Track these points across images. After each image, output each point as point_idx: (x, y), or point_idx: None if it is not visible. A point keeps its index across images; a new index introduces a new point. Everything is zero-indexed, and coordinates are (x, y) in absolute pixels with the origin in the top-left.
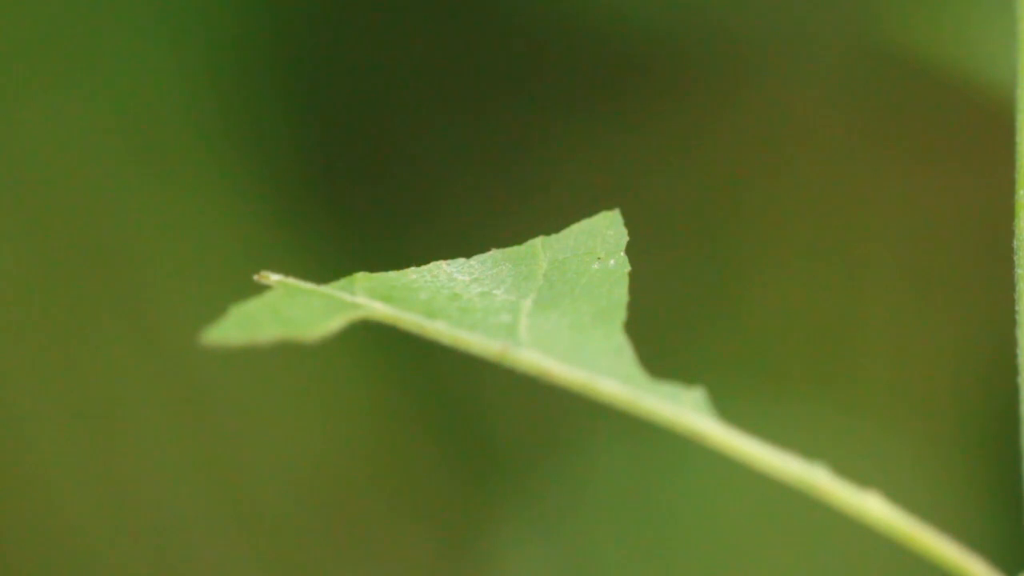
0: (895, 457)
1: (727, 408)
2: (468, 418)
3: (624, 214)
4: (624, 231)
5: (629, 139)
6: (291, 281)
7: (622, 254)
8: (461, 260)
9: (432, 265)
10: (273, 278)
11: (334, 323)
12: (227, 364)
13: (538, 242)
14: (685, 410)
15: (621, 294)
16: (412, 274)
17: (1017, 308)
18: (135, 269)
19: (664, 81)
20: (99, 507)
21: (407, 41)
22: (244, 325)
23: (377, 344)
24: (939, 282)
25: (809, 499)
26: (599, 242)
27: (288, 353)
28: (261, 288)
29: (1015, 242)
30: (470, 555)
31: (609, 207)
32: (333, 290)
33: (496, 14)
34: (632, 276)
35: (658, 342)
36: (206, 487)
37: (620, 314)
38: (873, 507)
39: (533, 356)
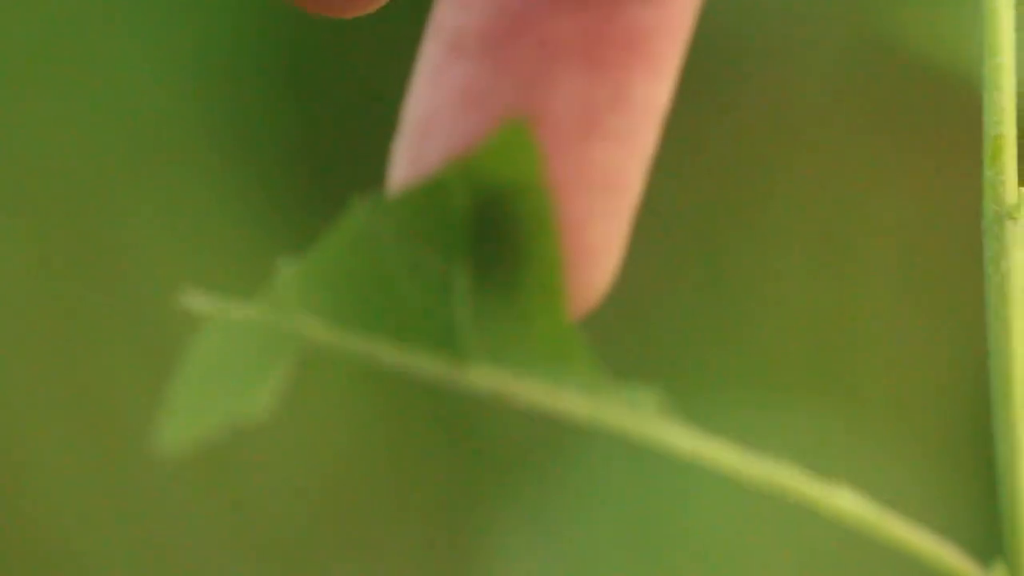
0: (898, 458)
1: (726, 413)
2: (468, 420)
3: None
4: (535, 149)
5: None
6: (218, 306)
7: (542, 185)
8: (381, 201)
9: (352, 219)
10: (198, 301)
11: (275, 379)
12: None
13: (450, 170)
14: (650, 418)
15: (555, 253)
16: (335, 246)
17: (986, 289)
18: (134, 269)
19: None
20: (98, 507)
21: (408, 39)
22: (189, 415)
23: None
24: (940, 282)
25: (812, 505)
26: (515, 169)
27: None
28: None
29: (983, 222)
30: (469, 556)
31: None
32: (265, 310)
33: None
34: (630, 277)
35: (655, 342)
36: (204, 485)
37: (561, 286)
38: (842, 501)
39: (485, 376)
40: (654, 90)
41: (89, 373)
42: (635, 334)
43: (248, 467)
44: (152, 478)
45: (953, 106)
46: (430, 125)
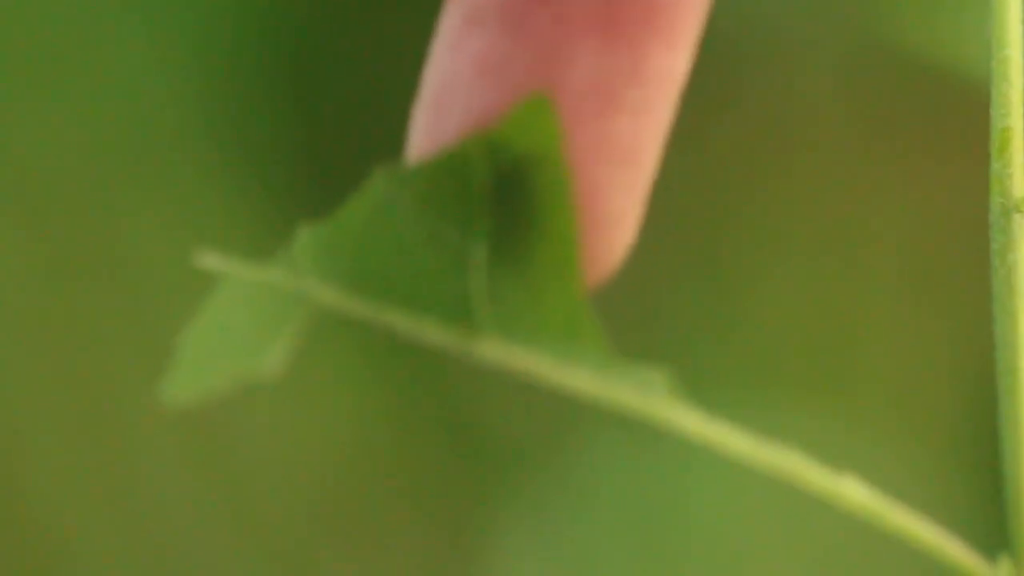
0: (898, 460)
1: (726, 411)
2: (468, 419)
3: None
4: (555, 123)
5: None
6: (233, 266)
7: (561, 160)
8: (403, 171)
9: (374, 189)
10: (212, 260)
11: (285, 338)
12: None
13: (471, 143)
14: (658, 399)
15: (571, 228)
16: (355, 214)
17: (992, 282)
18: (136, 269)
19: None
20: (96, 503)
21: (409, 36)
22: (196, 367)
23: (374, 341)
24: (941, 282)
25: (816, 503)
26: (534, 142)
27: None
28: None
29: (990, 215)
30: (470, 555)
31: None
32: (279, 272)
33: None
34: (630, 276)
35: (655, 341)
36: (204, 484)
37: (575, 263)
38: (848, 490)
39: (496, 347)
40: (671, 63)
41: (89, 371)
42: (635, 332)
43: (247, 465)
44: (152, 475)
45: (953, 107)
46: (448, 96)
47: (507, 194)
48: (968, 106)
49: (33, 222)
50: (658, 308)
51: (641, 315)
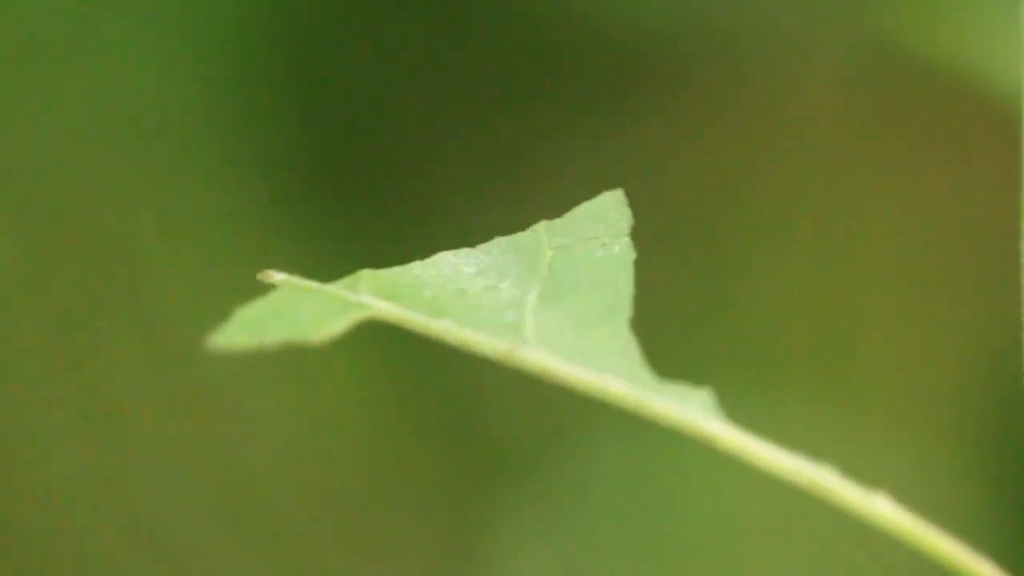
0: (899, 455)
1: (728, 406)
2: (469, 418)
3: None
4: (628, 212)
5: (628, 139)
6: (295, 280)
7: (626, 239)
8: (466, 250)
9: (437, 258)
10: (277, 277)
11: (340, 324)
12: (228, 363)
13: (541, 228)
14: (693, 411)
15: (627, 286)
16: (417, 268)
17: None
18: (136, 269)
19: (664, 80)
20: (99, 507)
21: (410, 36)
22: (249, 328)
23: (377, 343)
24: (941, 281)
25: (815, 499)
26: (603, 226)
27: (289, 353)
28: (265, 287)
29: (1022, 243)
30: (472, 556)
31: None
32: (338, 289)
33: (499, 13)
34: (633, 272)
35: (658, 339)
36: (206, 485)
37: (626, 310)
38: (881, 508)
39: (539, 356)
40: None
41: (89, 370)
42: (636, 329)
43: (249, 464)
44: (154, 476)
45: (953, 106)
46: None
47: (566, 265)
48: (967, 105)
49: (35, 221)
50: (660, 305)
51: (642, 312)
